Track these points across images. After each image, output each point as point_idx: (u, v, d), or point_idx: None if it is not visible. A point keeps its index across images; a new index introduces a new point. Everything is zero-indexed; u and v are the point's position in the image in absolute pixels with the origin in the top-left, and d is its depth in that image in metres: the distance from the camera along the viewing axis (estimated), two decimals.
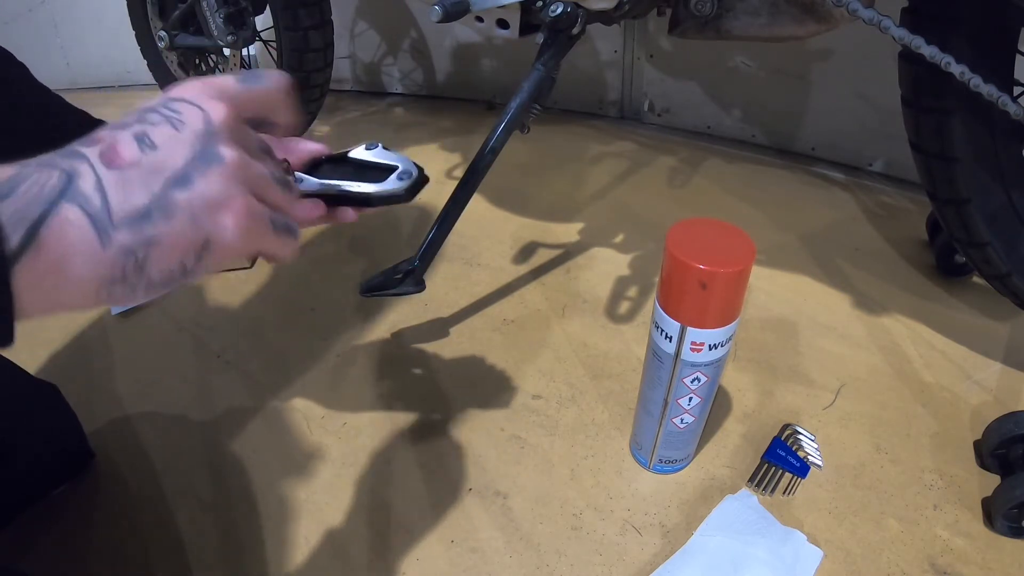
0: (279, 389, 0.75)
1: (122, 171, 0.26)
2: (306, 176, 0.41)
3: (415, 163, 0.44)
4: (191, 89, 0.30)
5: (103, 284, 0.26)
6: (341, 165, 0.43)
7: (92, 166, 0.26)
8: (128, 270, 0.26)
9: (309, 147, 0.40)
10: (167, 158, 0.27)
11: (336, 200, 0.42)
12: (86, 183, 0.26)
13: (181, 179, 0.27)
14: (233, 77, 0.31)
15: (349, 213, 0.42)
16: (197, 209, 0.27)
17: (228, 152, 0.28)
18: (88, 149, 0.27)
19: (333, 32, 1.16)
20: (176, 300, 0.90)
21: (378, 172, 0.43)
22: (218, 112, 0.29)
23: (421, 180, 0.43)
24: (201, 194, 0.27)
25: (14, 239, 0.23)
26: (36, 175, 0.25)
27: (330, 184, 0.41)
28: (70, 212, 0.25)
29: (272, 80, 0.33)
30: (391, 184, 0.42)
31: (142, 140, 0.27)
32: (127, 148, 0.27)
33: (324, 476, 0.65)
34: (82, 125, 0.49)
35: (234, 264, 0.96)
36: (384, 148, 0.45)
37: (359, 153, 0.44)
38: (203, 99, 0.29)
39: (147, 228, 0.26)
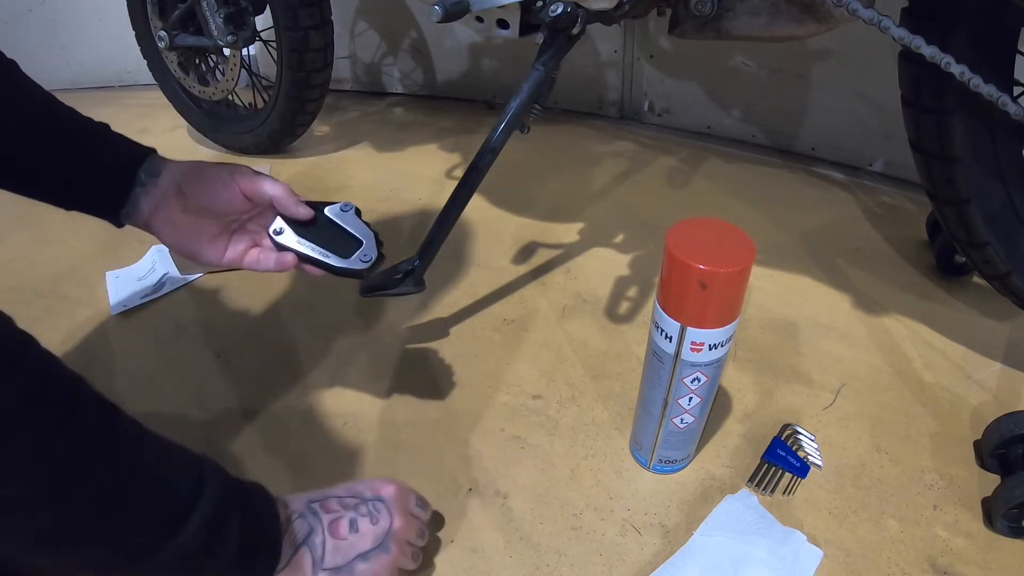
0: (279, 389, 0.75)
1: (337, 541, 0.48)
2: (287, 229, 0.52)
3: (377, 239, 0.54)
4: (392, 495, 0.52)
5: None
6: (315, 225, 0.53)
7: (324, 529, 0.48)
8: None
9: (291, 207, 0.52)
10: (362, 542, 0.49)
11: (306, 258, 0.52)
12: (318, 538, 0.47)
13: (364, 556, 0.48)
14: (415, 497, 0.55)
15: (315, 271, 0.53)
16: (369, 574, 0.49)
17: (395, 550, 0.50)
18: (324, 516, 0.49)
19: (333, 32, 1.16)
20: (176, 300, 0.90)
21: (346, 243, 0.53)
22: (398, 524, 0.51)
23: (379, 261, 0.54)
24: (374, 569, 0.49)
25: (284, 559, 0.45)
26: (298, 521, 0.47)
27: (305, 245, 0.52)
28: (306, 553, 0.47)
29: (426, 513, 0.56)
30: (355, 263, 0.52)
31: (353, 524, 0.49)
32: (344, 528, 0.48)
33: (324, 476, 0.65)
34: (70, 120, 0.50)
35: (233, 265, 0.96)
36: (356, 213, 0.54)
37: (334, 213, 0.53)
38: (395, 509, 0.51)
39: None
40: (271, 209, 0.53)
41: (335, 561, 0.47)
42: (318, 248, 0.52)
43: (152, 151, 0.52)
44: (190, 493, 0.39)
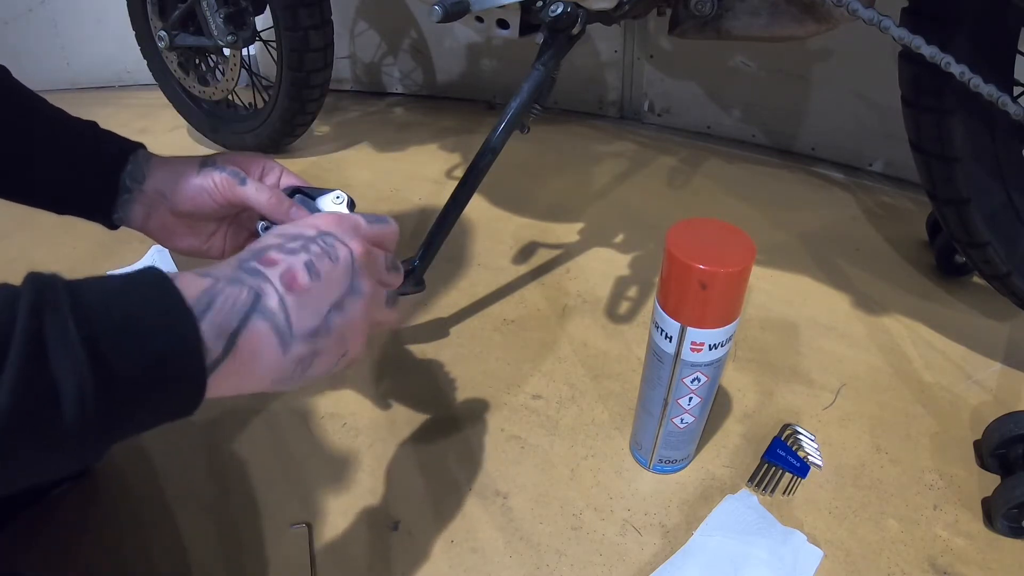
0: None
1: (299, 295, 0.34)
2: (273, 226, 0.48)
3: None
4: (336, 225, 0.38)
5: (275, 381, 0.34)
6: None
7: (275, 287, 0.33)
8: (296, 372, 0.34)
9: (289, 182, 0.50)
10: (329, 288, 0.35)
11: None
12: (272, 301, 0.33)
13: (337, 306, 0.35)
14: (363, 218, 0.40)
15: None
16: (345, 329, 0.36)
17: (366, 286, 0.37)
18: (268, 270, 0.34)
19: (333, 32, 1.16)
20: None
21: None
22: (357, 249, 0.37)
23: None
24: (349, 318, 0.36)
25: (215, 351, 0.30)
26: (228, 290, 0.31)
27: None
28: (261, 325, 0.32)
29: (390, 224, 0.42)
30: None
31: (311, 268, 0.35)
32: (302, 275, 0.34)
33: (324, 476, 0.65)
34: (59, 122, 0.50)
35: None
36: (349, 205, 0.51)
37: (326, 204, 0.51)
38: (347, 236, 0.38)
39: (316, 342, 0.34)
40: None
41: (307, 322, 0.34)
42: None
43: (135, 150, 0.50)
44: None
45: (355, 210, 0.51)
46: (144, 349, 0.27)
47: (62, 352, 0.25)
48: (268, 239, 0.37)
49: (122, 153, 0.49)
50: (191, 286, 0.30)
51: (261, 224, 0.50)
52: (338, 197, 0.51)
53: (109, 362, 0.26)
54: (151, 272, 0.30)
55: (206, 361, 0.29)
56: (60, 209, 0.50)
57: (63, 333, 0.25)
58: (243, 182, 0.47)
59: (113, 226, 0.51)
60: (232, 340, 0.30)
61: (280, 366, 0.33)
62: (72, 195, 0.49)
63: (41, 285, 0.26)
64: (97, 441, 0.27)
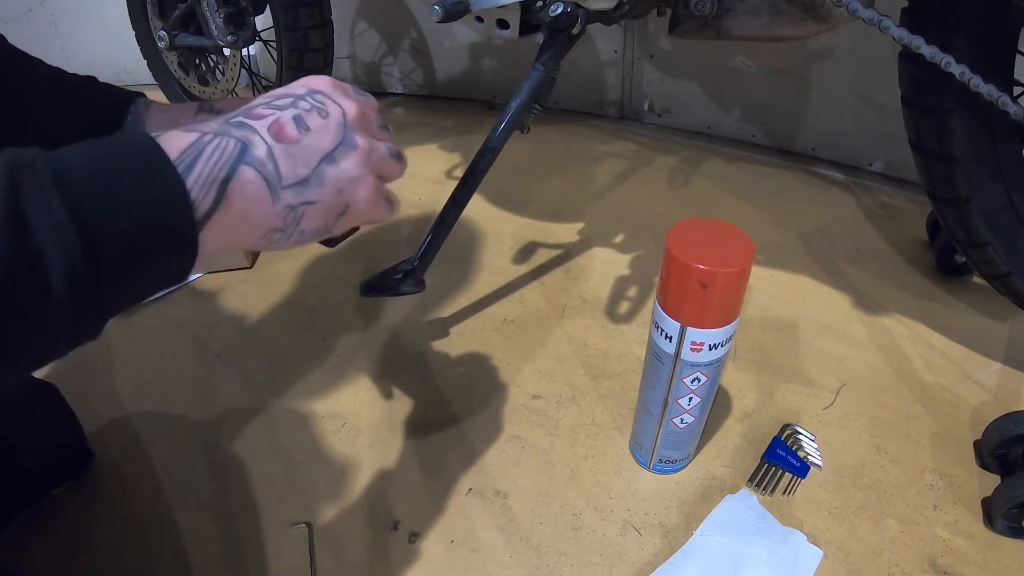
0: (279, 389, 0.75)
1: (287, 145, 0.33)
2: None
3: None
4: (326, 85, 0.37)
5: (268, 232, 0.33)
6: None
7: (263, 137, 0.32)
8: (288, 222, 0.33)
9: None
10: (320, 140, 0.34)
11: None
12: (259, 151, 0.32)
13: (330, 158, 0.34)
14: (350, 86, 0.39)
15: None
16: (342, 182, 0.35)
17: (361, 140, 0.36)
18: (255, 123, 0.33)
19: (333, 32, 1.16)
20: (176, 300, 0.90)
21: None
22: (351, 109, 0.36)
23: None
24: (345, 170, 0.35)
25: (205, 203, 0.29)
26: (215, 141, 0.30)
27: None
28: (249, 173, 0.31)
29: (371, 97, 0.40)
30: None
31: (299, 122, 0.34)
32: (290, 127, 0.33)
33: (324, 476, 0.65)
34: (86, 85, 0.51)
35: (234, 264, 0.96)
36: None
37: None
38: (338, 96, 0.37)
39: (307, 192, 0.33)
40: None
41: (296, 171, 0.33)
42: None
43: (135, 99, 0.52)
44: None
45: None
46: (132, 214, 0.27)
47: (47, 227, 0.24)
48: (255, 99, 0.36)
49: (123, 101, 0.51)
50: (176, 141, 0.29)
51: None
52: None
53: (96, 231, 0.25)
54: (135, 137, 0.29)
55: (195, 216, 0.29)
56: None
57: (47, 206, 0.24)
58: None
59: None
60: (221, 190, 0.30)
61: (270, 215, 0.32)
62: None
63: (19, 161, 0.25)
64: (94, 314, 0.27)
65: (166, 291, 0.92)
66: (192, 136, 0.30)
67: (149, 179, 0.28)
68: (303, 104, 0.35)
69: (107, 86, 0.52)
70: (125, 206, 0.27)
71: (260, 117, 0.33)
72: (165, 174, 0.28)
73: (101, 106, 0.50)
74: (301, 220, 0.34)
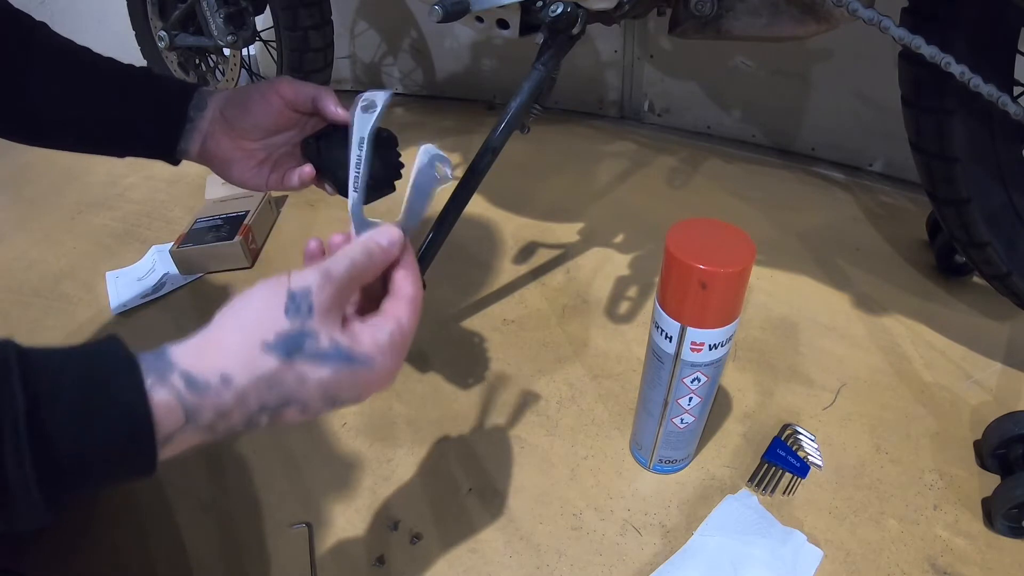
0: None
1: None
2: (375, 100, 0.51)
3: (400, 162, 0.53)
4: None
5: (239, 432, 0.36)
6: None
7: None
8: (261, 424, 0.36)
9: (329, 105, 0.50)
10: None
11: (333, 177, 0.52)
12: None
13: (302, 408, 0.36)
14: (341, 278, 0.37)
15: (326, 188, 0.53)
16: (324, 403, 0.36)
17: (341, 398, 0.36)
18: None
19: (333, 32, 1.16)
20: (176, 300, 0.90)
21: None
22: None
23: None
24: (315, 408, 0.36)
25: (168, 424, 0.33)
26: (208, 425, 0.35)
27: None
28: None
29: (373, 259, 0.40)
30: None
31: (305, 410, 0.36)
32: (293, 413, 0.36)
33: (324, 476, 0.65)
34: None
35: (234, 264, 0.96)
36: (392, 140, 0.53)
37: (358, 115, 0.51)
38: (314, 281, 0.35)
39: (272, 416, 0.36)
40: (313, 118, 0.53)
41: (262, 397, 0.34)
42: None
43: (199, 86, 0.53)
44: None
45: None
46: (95, 440, 0.29)
47: (9, 434, 0.25)
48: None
49: (187, 87, 0.53)
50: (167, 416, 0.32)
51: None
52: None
53: (55, 447, 0.27)
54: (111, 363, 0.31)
55: (157, 438, 0.31)
56: (124, 151, 0.53)
57: (9, 407, 0.26)
58: (302, 83, 0.51)
59: (176, 161, 0.54)
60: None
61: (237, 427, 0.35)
62: (140, 134, 0.52)
63: None
64: (44, 511, 0.28)
65: (164, 292, 0.92)
66: (181, 419, 0.32)
67: (117, 408, 0.30)
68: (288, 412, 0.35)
69: (166, 77, 0.54)
70: (89, 433, 0.29)
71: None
72: (134, 406, 0.31)
73: (168, 90, 0.52)
74: (278, 421, 0.35)
